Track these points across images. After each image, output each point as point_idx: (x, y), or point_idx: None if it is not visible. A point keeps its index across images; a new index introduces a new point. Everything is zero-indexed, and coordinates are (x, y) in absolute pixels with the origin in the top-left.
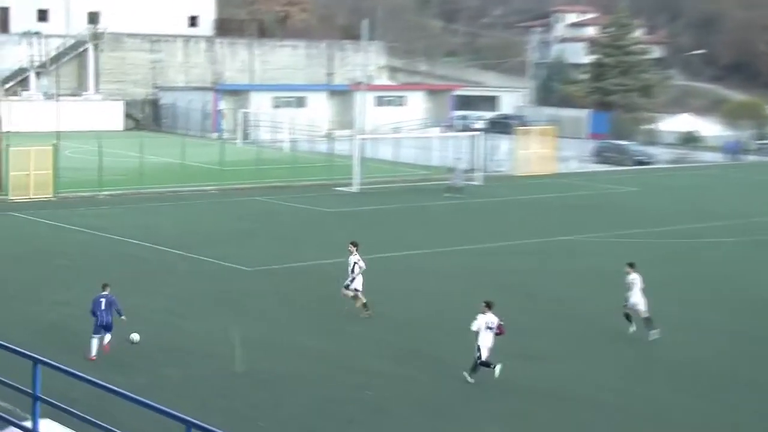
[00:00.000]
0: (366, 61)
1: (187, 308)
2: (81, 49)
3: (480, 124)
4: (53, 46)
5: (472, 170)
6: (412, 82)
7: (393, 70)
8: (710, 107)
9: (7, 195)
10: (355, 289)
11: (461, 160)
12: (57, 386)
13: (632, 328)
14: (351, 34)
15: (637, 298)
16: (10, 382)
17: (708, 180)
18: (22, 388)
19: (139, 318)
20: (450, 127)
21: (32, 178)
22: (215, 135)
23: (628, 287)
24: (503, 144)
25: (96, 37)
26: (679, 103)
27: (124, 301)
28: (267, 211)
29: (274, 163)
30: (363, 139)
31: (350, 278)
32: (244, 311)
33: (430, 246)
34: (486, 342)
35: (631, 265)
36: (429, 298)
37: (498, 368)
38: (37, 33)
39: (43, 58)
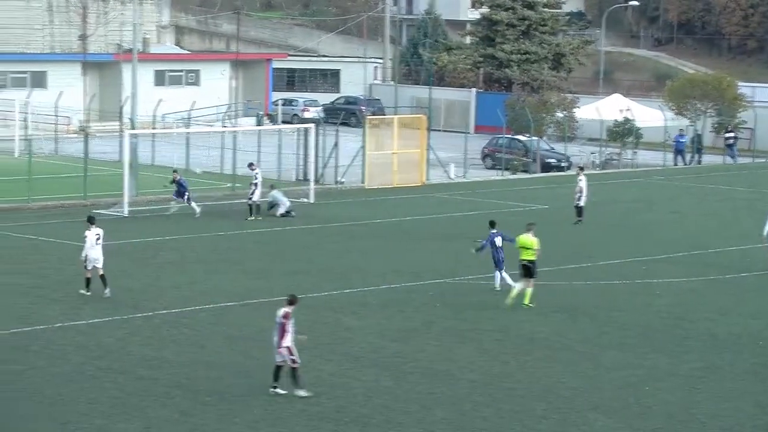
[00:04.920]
0: (140, 16)
1: None
2: None
3: (313, 113)
4: None
5: (305, 180)
6: (211, 50)
7: (181, 32)
8: (652, 85)
9: None
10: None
11: (267, 182)
12: None
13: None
14: None
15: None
16: None
17: (648, 193)
18: None
19: None
20: (268, 118)
21: None
22: None
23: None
24: (347, 142)
25: None
26: (608, 80)
27: None
28: None
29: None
30: (136, 136)
31: None
32: None
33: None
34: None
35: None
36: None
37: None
38: None
39: None
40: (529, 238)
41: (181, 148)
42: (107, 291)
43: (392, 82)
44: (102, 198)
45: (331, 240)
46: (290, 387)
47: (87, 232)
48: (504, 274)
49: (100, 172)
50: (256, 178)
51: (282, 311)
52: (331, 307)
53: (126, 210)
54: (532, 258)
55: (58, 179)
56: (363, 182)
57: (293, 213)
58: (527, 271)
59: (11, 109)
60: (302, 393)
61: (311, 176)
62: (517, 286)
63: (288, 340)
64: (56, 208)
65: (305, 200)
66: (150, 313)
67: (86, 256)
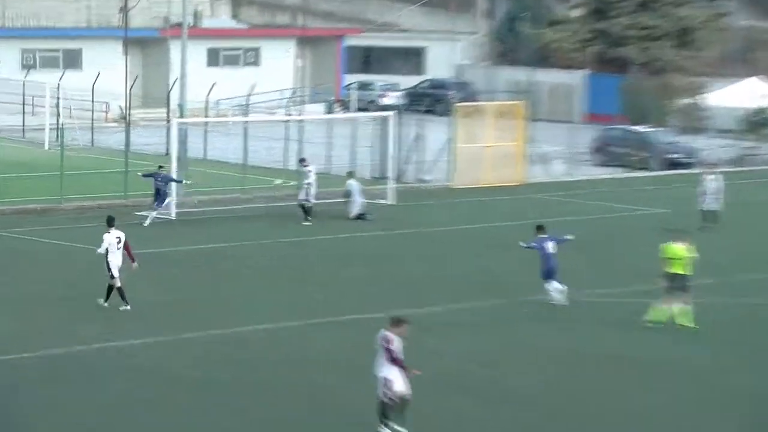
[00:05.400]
0: None
1: None
2: None
3: (393, 99)
4: None
5: (382, 178)
6: (273, 25)
7: (239, 3)
8: None
9: None
10: None
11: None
12: None
13: None
14: None
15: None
16: None
17: None
18: None
19: None
20: (340, 105)
21: None
22: None
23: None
24: (433, 133)
25: None
26: (744, 60)
27: None
28: (11, 252)
29: (25, 170)
30: (185, 125)
31: None
32: None
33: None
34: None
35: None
36: None
37: None
38: None
39: None
40: (677, 248)
41: (237, 139)
42: (104, 301)
43: (486, 63)
44: (145, 198)
45: (413, 248)
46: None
47: (105, 235)
48: (555, 284)
49: (143, 167)
50: (308, 177)
51: (383, 334)
52: (414, 326)
53: (174, 212)
54: (682, 271)
55: (95, 176)
56: (451, 181)
57: (369, 216)
58: (677, 285)
59: (41, 94)
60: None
61: (390, 173)
62: (667, 305)
63: (389, 370)
64: (92, 209)
65: (383, 201)
66: (202, 332)
67: (109, 261)
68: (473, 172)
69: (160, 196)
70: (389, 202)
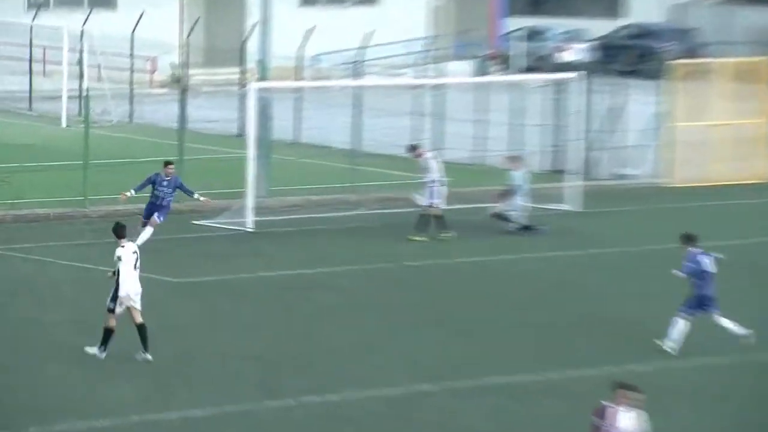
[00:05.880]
0: None
1: None
2: None
3: (576, 53)
4: None
5: (560, 173)
6: None
7: None
8: None
9: None
10: None
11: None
12: None
13: None
14: None
15: None
16: None
17: None
18: None
19: None
20: (497, 62)
21: None
22: None
23: None
24: (638, 105)
25: None
26: None
27: None
28: (14, 279)
29: (33, 157)
30: (268, 92)
31: None
32: None
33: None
34: None
35: None
36: None
37: None
38: None
39: None
40: None
41: (345, 112)
42: (148, 355)
43: (716, 0)
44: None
45: (602, 277)
46: None
47: (120, 250)
48: (724, 319)
49: (204, 154)
50: (430, 171)
51: (602, 406)
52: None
53: (251, 221)
54: None
55: (134, 166)
56: (664, 176)
57: (512, 225)
58: None
59: (56, 45)
60: None
61: (572, 165)
62: None
63: None
64: (130, 215)
65: (561, 207)
66: (290, 400)
67: (126, 292)
68: (698, 163)
69: (158, 207)
70: (571, 208)
